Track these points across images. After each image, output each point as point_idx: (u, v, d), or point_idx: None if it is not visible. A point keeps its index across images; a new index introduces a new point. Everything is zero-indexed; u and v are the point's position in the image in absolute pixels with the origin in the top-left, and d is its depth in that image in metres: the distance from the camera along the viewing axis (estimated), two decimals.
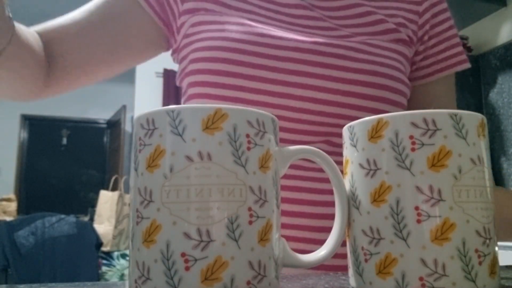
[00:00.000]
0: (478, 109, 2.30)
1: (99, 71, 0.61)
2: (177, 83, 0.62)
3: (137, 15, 0.60)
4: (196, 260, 0.25)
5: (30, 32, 0.55)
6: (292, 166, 0.51)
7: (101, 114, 5.26)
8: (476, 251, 0.26)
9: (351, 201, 0.30)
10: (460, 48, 0.63)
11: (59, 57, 0.58)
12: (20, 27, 0.51)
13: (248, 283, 0.26)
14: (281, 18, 0.58)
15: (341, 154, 0.52)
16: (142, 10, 0.59)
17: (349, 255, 0.31)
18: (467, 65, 0.63)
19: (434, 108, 0.60)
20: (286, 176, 0.51)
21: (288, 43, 0.54)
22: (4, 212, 3.53)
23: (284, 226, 0.51)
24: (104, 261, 2.70)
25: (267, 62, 0.53)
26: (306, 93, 0.53)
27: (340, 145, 0.54)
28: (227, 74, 0.53)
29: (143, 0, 0.59)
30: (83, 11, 0.60)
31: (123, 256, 2.78)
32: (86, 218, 2.94)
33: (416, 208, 0.27)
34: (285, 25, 0.57)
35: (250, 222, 0.26)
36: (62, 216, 2.39)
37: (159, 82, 3.44)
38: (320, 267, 0.43)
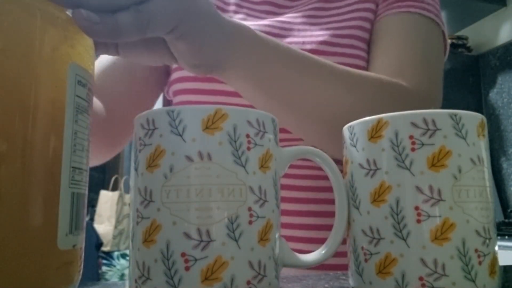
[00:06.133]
0: (478, 109, 2.30)
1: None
2: (166, 94, 0.63)
3: None
4: (196, 260, 0.25)
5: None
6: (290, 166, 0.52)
7: None
8: (476, 251, 0.26)
9: (351, 201, 0.30)
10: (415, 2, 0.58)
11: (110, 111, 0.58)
12: None
13: (248, 283, 0.26)
14: (254, 14, 0.62)
15: None
16: None
17: (349, 255, 0.31)
18: (422, 11, 0.56)
19: (381, 44, 0.57)
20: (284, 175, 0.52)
21: None
22: None
23: (282, 225, 0.52)
24: (104, 261, 2.69)
25: None
26: None
27: None
28: (204, 80, 0.55)
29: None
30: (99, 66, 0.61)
31: (123, 256, 2.77)
32: (86, 218, 2.94)
33: (416, 208, 0.27)
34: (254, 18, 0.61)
35: (250, 222, 0.26)
36: None
37: None
38: (320, 266, 0.43)
